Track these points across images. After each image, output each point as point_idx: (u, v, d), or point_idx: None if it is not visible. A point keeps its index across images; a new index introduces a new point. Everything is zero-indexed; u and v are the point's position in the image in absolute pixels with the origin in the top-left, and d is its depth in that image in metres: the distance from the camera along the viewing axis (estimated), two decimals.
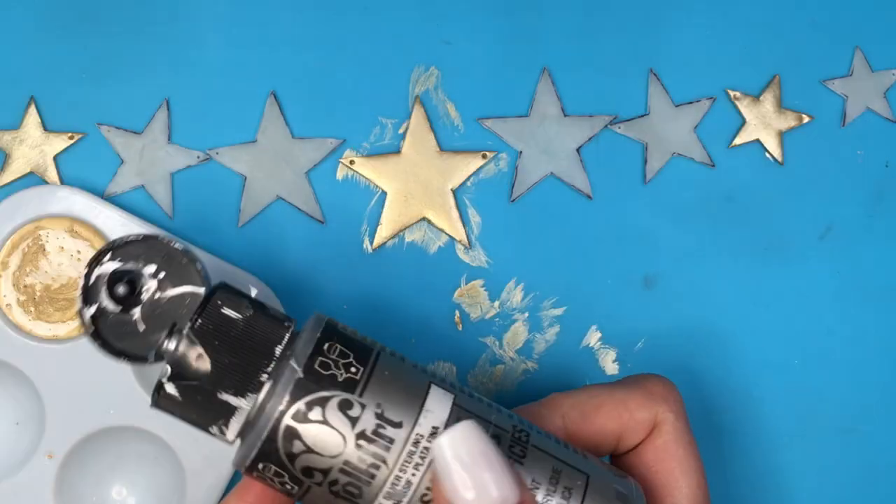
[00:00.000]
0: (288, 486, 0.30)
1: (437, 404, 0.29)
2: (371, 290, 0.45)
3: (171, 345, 0.29)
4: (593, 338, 0.45)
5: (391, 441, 0.29)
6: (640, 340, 0.45)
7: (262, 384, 0.29)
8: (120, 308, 0.31)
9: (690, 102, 0.45)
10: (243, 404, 0.29)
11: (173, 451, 0.42)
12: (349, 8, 0.45)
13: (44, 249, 0.43)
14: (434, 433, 0.29)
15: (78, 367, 0.42)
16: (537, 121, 0.45)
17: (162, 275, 0.32)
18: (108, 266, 0.31)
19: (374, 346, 0.31)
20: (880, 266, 0.45)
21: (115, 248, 0.32)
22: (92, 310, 0.31)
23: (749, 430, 0.45)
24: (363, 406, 0.29)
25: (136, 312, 0.32)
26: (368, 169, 0.45)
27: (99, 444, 0.43)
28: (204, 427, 0.30)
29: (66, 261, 0.43)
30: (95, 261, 0.31)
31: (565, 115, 0.45)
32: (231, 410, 0.29)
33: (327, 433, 0.28)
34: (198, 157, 0.45)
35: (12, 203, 0.43)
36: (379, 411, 0.29)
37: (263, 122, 0.45)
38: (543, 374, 0.45)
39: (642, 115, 0.45)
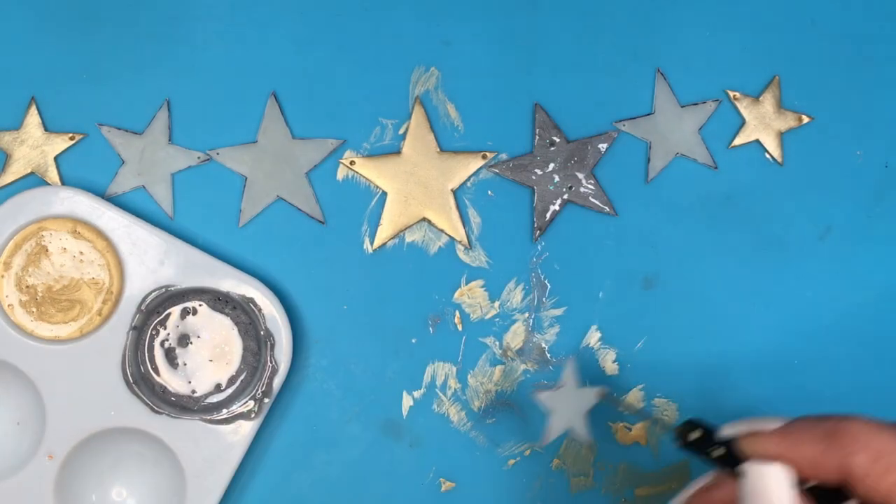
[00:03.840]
0: None
1: None
2: (371, 290, 0.45)
3: None
4: (593, 338, 0.45)
5: None
6: (640, 340, 0.45)
7: None
8: None
9: (696, 104, 0.45)
10: None
11: (173, 452, 0.42)
12: (349, 8, 0.45)
13: (46, 250, 0.43)
14: None
15: (79, 368, 0.42)
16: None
17: None
18: None
19: None
20: (879, 266, 0.45)
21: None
22: None
23: None
24: None
25: None
26: (369, 169, 0.45)
27: (99, 444, 0.43)
28: None
29: (69, 262, 0.43)
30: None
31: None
32: None
33: None
34: (198, 158, 0.45)
35: (15, 203, 0.43)
36: None
37: (264, 123, 0.45)
38: (543, 374, 0.45)
39: (647, 114, 0.45)
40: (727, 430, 0.34)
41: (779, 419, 0.32)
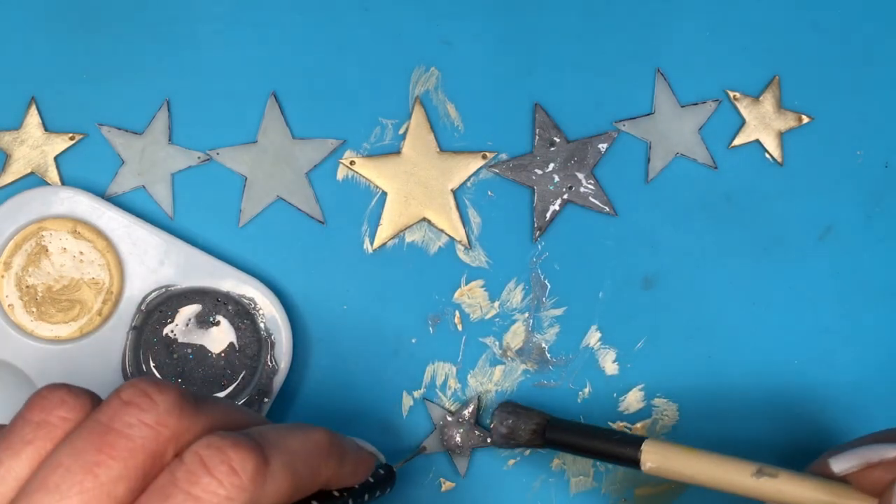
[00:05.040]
0: None
1: None
2: (371, 290, 0.45)
3: None
4: (593, 338, 0.45)
5: None
6: (640, 340, 0.45)
7: None
8: None
9: (696, 104, 0.45)
10: None
11: None
12: (349, 8, 0.45)
13: (46, 250, 0.43)
14: None
15: (79, 368, 0.42)
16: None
17: None
18: None
19: None
20: (880, 266, 0.45)
21: None
22: None
23: (749, 431, 0.45)
24: None
25: None
26: (369, 169, 0.45)
27: None
28: None
29: (69, 262, 0.43)
30: None
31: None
32: None
33: None
34: (198, 158, 0.45)
35: (15, 203, 0.43)
36: None
37: (264, 123, 0.45)
38: (543, 374, 0.45)
39: (647, 114, 0.45)
40: (837, 467, 0.32)
41: (891, 446, 0.31)
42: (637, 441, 0.37)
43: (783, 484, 0.33)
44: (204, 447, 0.26)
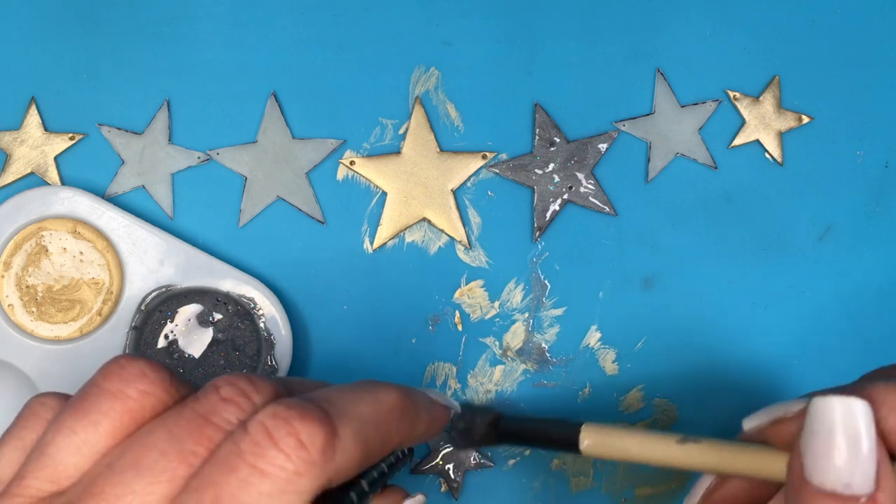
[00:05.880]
0: None
1: None
2: (371, 290, 0.45)
3: None
4: (593, 338, 0.45)
5: None
6: (640, 340, 0.45)
7: None
8: None
9: (696, 104, 0.45)
10: None
11: None
12: (349, 8, 0.45)
13: (46, 250, 0.43)
14: None
15: (79, 368, 0.42)
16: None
17: None
18: None
19: None
20: (880, 266, 0.45)
21: None
22: None
23: None
24: None
25: None
26: (369, 169, 0.45)
27: None
28: None
29: (69, 262, 0.43)
30: None
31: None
32: None
33: None
34: (198, 158, 0.45)
35: (15, 203, 0.43)
36: None
37: (264, 123, 0.45)
38: (543, 374, 0.45)
39: (647, 115, 0.45)
40: (748, 426, 0.33)
41: (797, 401, 0.31)
42: (576, 425, 0.37)
43: (705, 447, 0.34)
44: (269, 417, 0.25)
